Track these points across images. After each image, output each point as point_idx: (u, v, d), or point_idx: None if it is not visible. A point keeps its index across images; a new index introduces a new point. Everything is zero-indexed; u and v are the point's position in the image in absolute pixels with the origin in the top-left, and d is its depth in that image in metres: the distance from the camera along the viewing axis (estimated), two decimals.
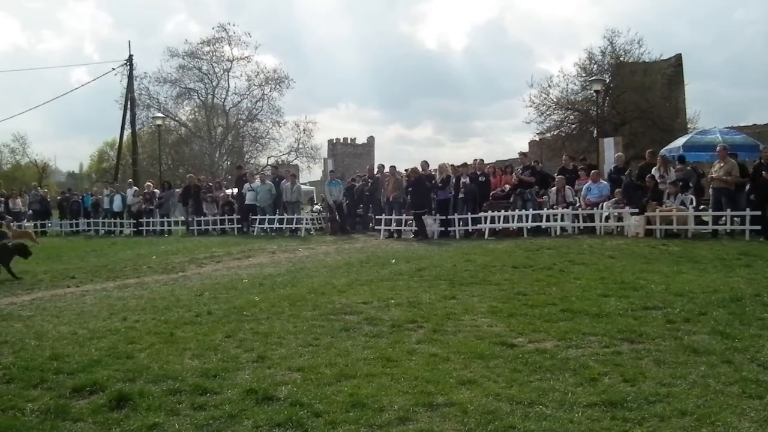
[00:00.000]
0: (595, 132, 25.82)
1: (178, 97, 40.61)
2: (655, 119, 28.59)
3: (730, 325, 5.24)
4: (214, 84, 40.98)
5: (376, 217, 16.49)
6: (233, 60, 40.30)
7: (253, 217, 18.50)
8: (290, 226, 17.78)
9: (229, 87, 41.10)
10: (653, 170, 13.48)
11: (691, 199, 12.74)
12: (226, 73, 40.67)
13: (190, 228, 19.69)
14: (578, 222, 13.85)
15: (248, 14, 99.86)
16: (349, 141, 73.18)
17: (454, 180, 15.43)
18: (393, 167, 17.17)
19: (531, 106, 30.92)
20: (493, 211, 14.37)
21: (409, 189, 15.48)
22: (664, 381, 3.99)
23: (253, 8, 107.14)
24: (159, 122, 31.70)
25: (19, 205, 23.78)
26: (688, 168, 14.58)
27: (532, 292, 7.03)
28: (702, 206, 13.04)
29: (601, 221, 13.54)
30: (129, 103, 31.25)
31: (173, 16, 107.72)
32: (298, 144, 41.65)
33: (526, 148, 31.19)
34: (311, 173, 45.83)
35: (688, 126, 28.78)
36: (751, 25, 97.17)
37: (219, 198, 20.21)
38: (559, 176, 15.06)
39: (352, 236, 16.38)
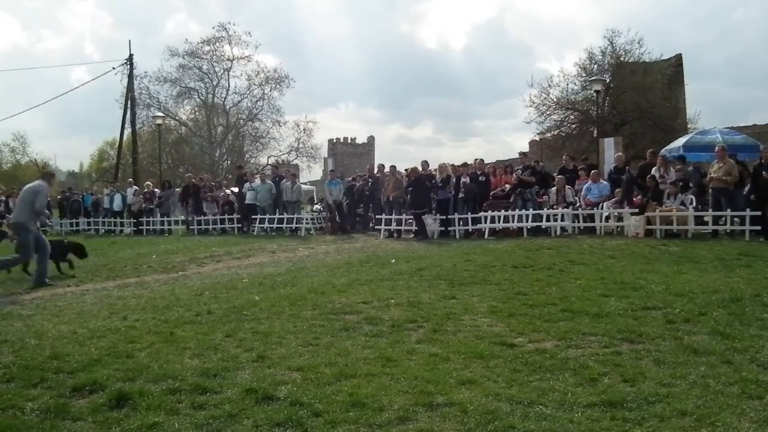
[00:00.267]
0: (595, 132, 25.83)
1: (179, 97, 40.74)
2: (655, 119, 28.60)
3: (730, 325, 5.24)
4: (214, 83, 41.09)
5: (376, 216, 16.49)
6: (233, 59, 40.42)
7: (253, 216, 18.50)
8: (290, 225, 17.78)
9: (229, 86, 41.23)
10: (653, 170, 13.50)
11: (691, 199, 12.74)
12: (226, 72, 40.80)
13: (190, 227, 19.70)
14: (578, 222, 13.86)
15: (248, 14, 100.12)
16: (349, 140, 73.27)
17: (454, 180, 15.42)
18: (393, 167, 17.17)
19: (531, 105, 31.00)
20: (493, 211, 14.36)
21: (409, 189, 15.48)
22: (664, 381, 3.99)
23: (254, 8, 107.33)
24: (159, 121, 31.75)
25: None
26: (691, 168, 14.58)
27: (532, 292, 7.03)
28: (700, 206, 13.05)
29: (601, 221, 13.54)
30: (129, 102, 31.26)
31: (173, 15, 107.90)
32: (298, 143, 41.78)
33: (526, 148, 31.27)
34: (311, 173, 46.01)
35: (689, 126, 28.79)
36: (751, 25, 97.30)
37: (219, 197, 20.22)
38: (559, 176, 15.07)
39: (352, 236, 16.38)
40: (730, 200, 12.24)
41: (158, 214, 20.82)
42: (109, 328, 5.96)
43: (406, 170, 17.13)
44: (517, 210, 14.21)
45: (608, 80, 29.28)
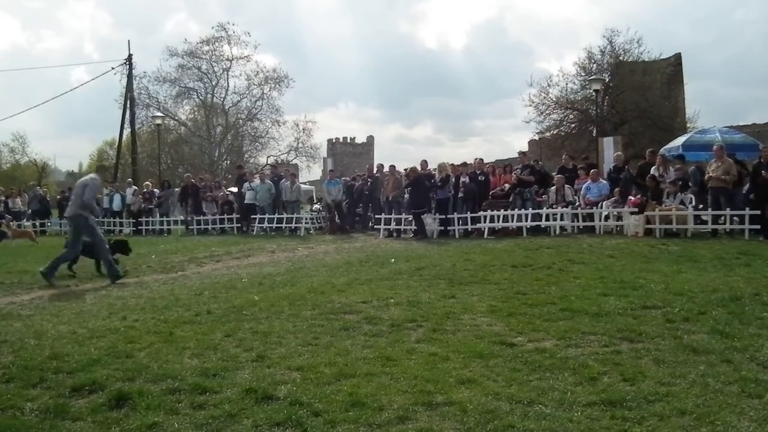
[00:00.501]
0: (595, 131, 25.84)
1: (178, 97, 40.73)
2: (654, 119, 28.61)
3: (729, 324, 5.24)
4: (213, 83, 41.10)
5: (376, 216, 16.50)
6: (233, 59, 40.43)
7: (252, 216, 18.50)
8: (290, 225, 17.79)
9: (228, 86, 41.24)
10: (652, 169, 13.50)
11: (691, 199, 12.75)
12: (225, 72, 40.81)
13: (190, 227, 19.70)
14: (578, 221, 13.86)
15: (248, 14, 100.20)
16: (348, 140, 73.30)
17: (453, 179, 15.43)
18: (392, 166, 17.17)
19: (530, 105, 31.03)
20: (492, 211, 14.37)
21: (409, 188, 15.48)
22: (664, 380, 3.99)
23: (253, 8, 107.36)
24: (158, 121, 31.68)
25: (18, 205, 23.80)
26: (692, 167, 14.58)
27: (532, 292, 7.03)
28: (701, 205, 13.05)
29: (600, 220, 13.55)
30: (128, 102, 31.21)
31: (173, 15, 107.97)
32: (298, 143, 41.80)
33: (525, 148, 31.23)
34: (311, 172, 46.06)
35: (688, 125, 28.80)
36: (751, 25, 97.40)
37: (218, 197, 20.22)
38: (559, 175, 15.07)
39: (352, 236, 16.39)
40: (730, 199, 12.25)
41: (157, 214, 20.81)
42: (109, 328, 5.95)
43: (405, 170, 17.13)
44: (516, 209, 14.22)
45: (607, 80, 29.30)
